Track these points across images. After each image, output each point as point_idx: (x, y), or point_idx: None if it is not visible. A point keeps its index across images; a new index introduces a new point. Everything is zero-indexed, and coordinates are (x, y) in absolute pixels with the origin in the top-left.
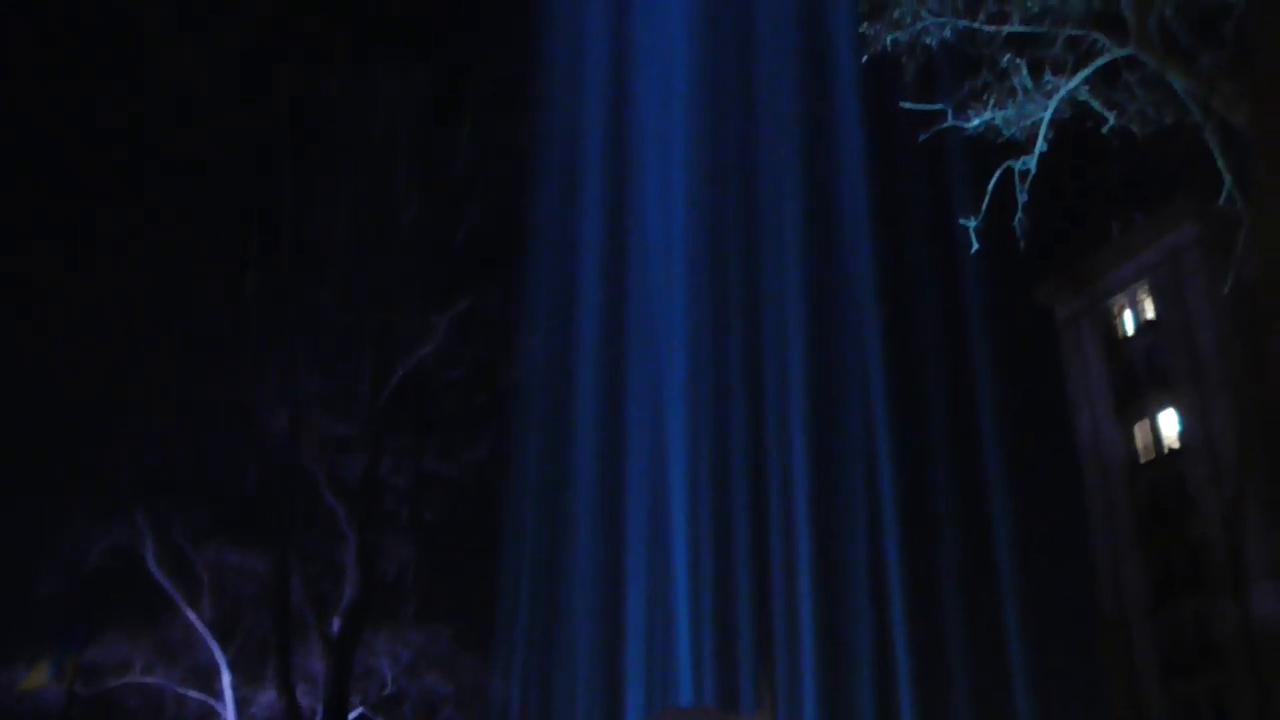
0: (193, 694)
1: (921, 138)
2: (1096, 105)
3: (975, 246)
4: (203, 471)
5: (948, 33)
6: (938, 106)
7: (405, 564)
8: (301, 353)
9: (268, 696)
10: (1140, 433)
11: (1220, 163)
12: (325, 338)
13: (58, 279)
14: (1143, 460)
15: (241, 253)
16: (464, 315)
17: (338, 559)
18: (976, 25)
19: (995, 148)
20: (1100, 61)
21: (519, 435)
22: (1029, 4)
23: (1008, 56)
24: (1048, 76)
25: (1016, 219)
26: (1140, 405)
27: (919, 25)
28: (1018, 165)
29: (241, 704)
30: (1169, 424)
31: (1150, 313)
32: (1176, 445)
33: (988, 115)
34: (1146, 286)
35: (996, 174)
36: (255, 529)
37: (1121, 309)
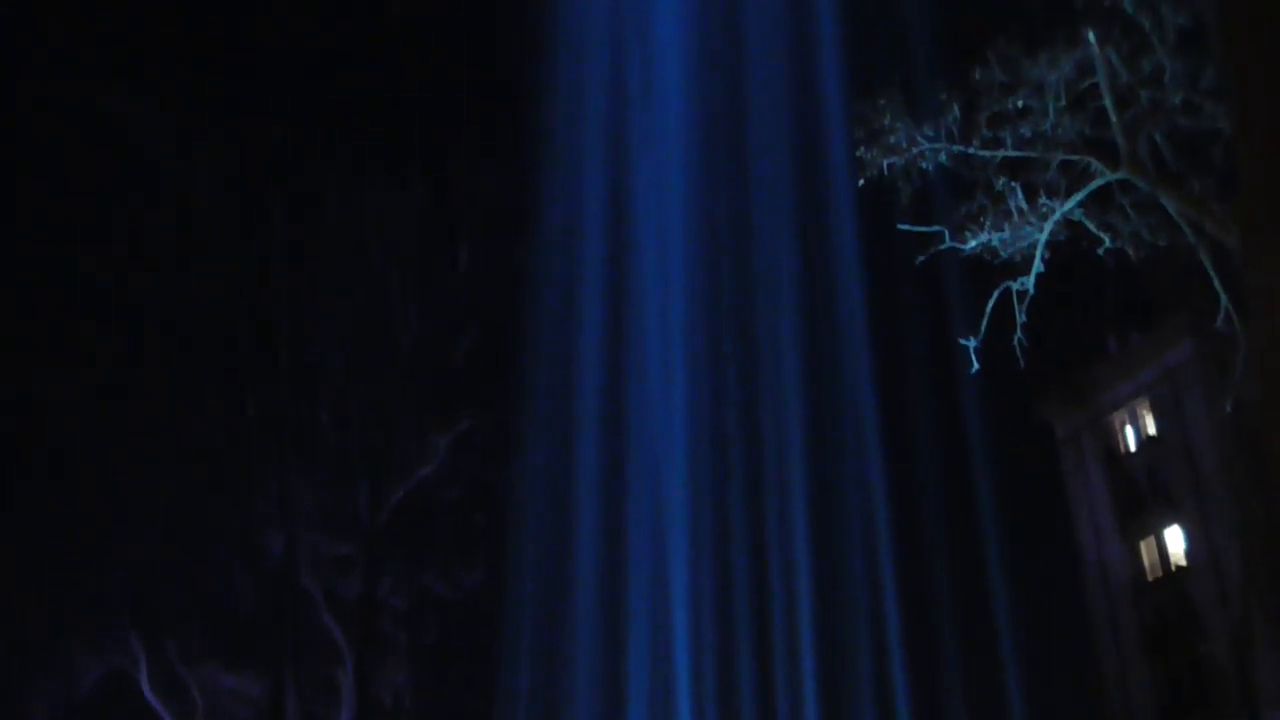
0: None
1: (919, 260)
2: (1092, 227)
3: (975, 366)
4: (198, 592)
5: (943, 157)
6: (935, 228)
7: (402, 686)
8: (299, 473)
9: None
10: (1146, 550)
11: (1215, 283)
12: (324, 458)
13: (56, 401)
14: (1149, 578)
15: (240, 374)
16: (464, 435)
17: (334, 680)
18: (971, 150)
19: (993, 267)
20: (1093, 185)
21: (518, 555)
22: (1021, 130)
23: (1003, 180)
24: (1043, 199)
25: (1015, 338)
26: (1144, 522)
27: (914, 150)
28: (1015, 286)
29: None
30: (1175, 541)
31: (1151, 429)
32: (1183, 563)
33: (984, 237)
34: (1146, 402)
35: (995, 295)
36: (251, 650)
37: (1122, 425)
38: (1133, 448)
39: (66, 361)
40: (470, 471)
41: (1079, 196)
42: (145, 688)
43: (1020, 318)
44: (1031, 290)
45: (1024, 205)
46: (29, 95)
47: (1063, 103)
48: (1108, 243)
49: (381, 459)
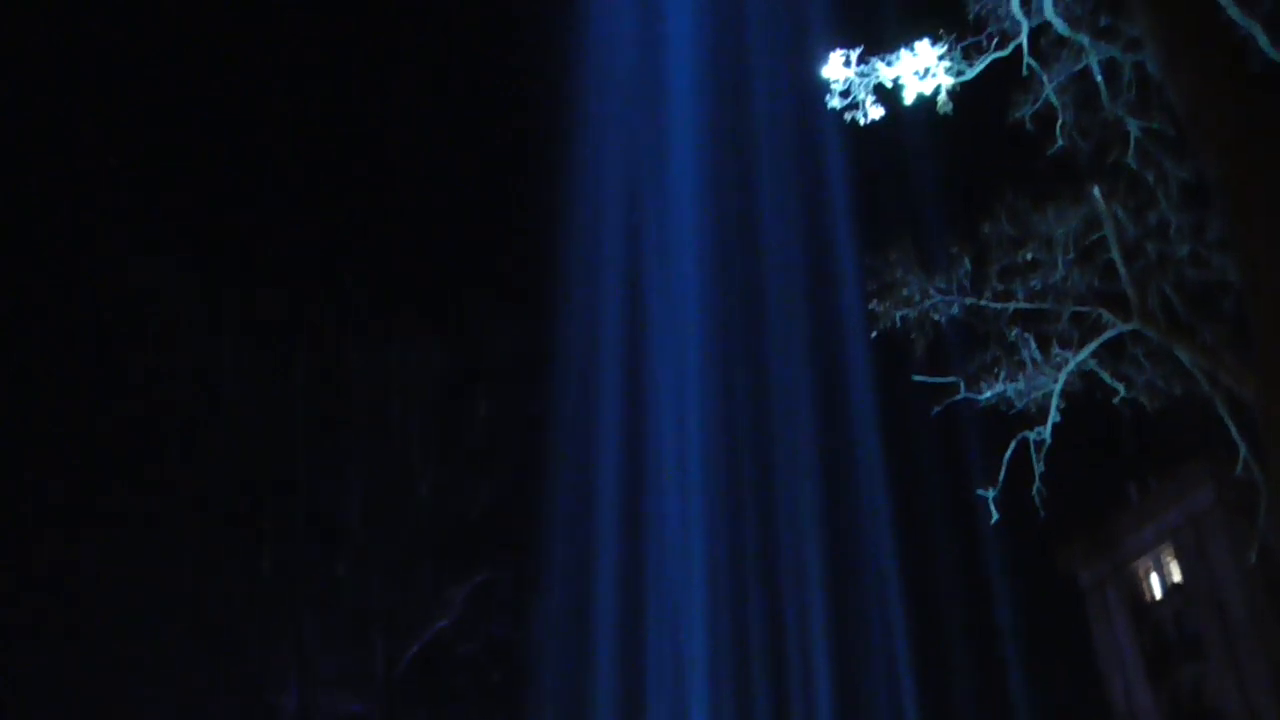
0: None
1: (935, 411)
2: (1106, 377)
3: (995, 517)
4: None
5: (955, 309)
6: (950, 379)
7: None
8: (315, 629)
9: None
10: (1176, 699)
11: (1233, 433)
12: (340, 613)
13: (72, 559)
14: None
15: (257, 529)
16: (481, 586)
17: None
18: (983, 303)
19: (1009, 417)
20: (1105, 336)
21: (537, 709)
22: (1032, 282)
23: (1015, 331)
24: (1056, 350)
25: (1035, 489)
26: (1174, 671)
27: (926, 303)
28: (1032, 436)
29: None
30: (1206, 690)
31: (1176, 576)
32: (1214, 710)
33: (999, 388)
34: (1170, 549)
35: (1012, 445)
36: None
37: (1147, 572)
38: (1158, 595)
39: (84, 520)
40: (488, 623)
41: (1091, 347)
42: None
43: (1038, 468)
44: (1048, 440)
45: (1037, 356)
46: (57, 265)
47: (1072, 256)
48: (1123, 392)
49: (398, 613)
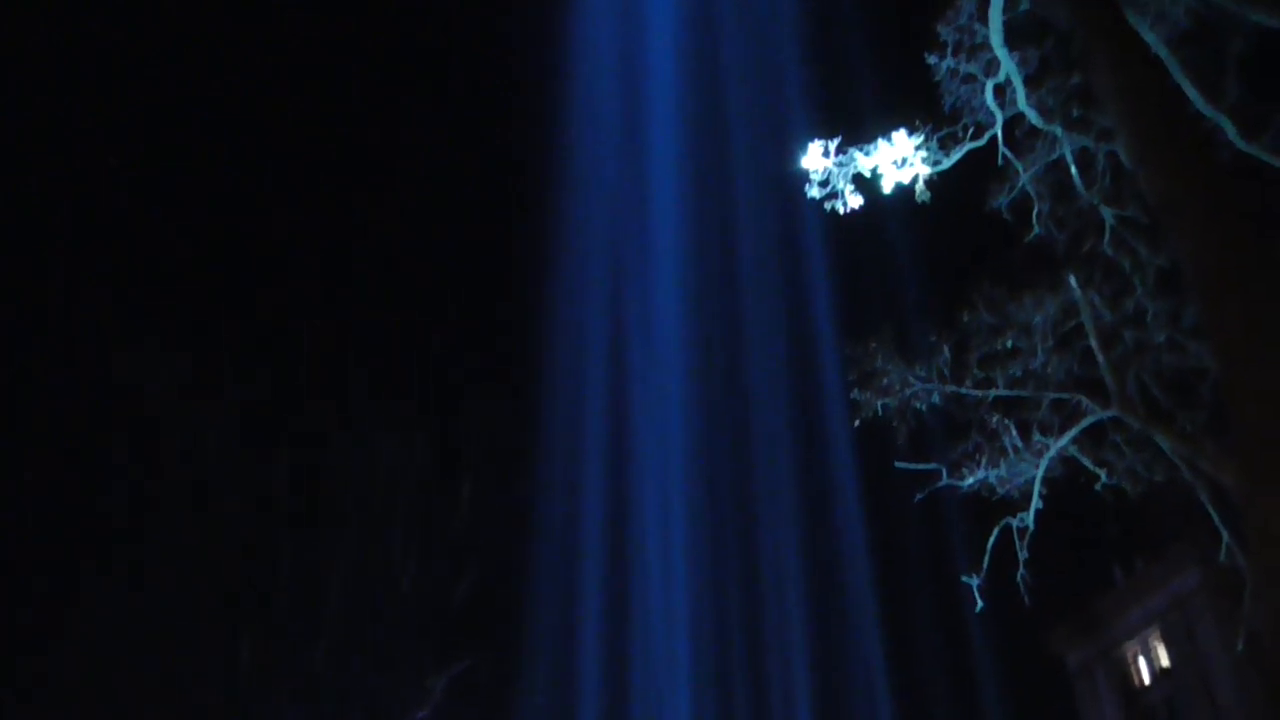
0: None
1: (917, 497)
2: (1087, 463)
3: (980, 605)
4: None
5: (936, 397)
6: (932, 466)
7: None
8: (294, 717)
9: None
10: None
11: (1216, 519)
12: (319, 702)
13: (46, 646)
14: None
15: (238, 617)
16: (461, 677)
17: None
18: (963, 390)
19: (992, 504)
20: (1085, 423)
21: None
22: (1012, 369)
23: (996, 418)
24: (1037, 436)
25: (1019, 574)
26: None
27: (907, 391)
28: (1015, 522)
29: None
30: None
31: (1165, 660)
32: None
33: (981, 474)
34: (1158, 633)
35: (995, 531)
36: None
37: (1135, 656)
38: (1147, 680)
39: (67, 605)
40: (468, 713)
41: (1071, 434)
42: None
43: (1022, 554)
44: (1031, 527)
45: (1019, 443)
46: (47, 355)
47: (1050, 343)
48: (1104, 479)
49: (377, 702)
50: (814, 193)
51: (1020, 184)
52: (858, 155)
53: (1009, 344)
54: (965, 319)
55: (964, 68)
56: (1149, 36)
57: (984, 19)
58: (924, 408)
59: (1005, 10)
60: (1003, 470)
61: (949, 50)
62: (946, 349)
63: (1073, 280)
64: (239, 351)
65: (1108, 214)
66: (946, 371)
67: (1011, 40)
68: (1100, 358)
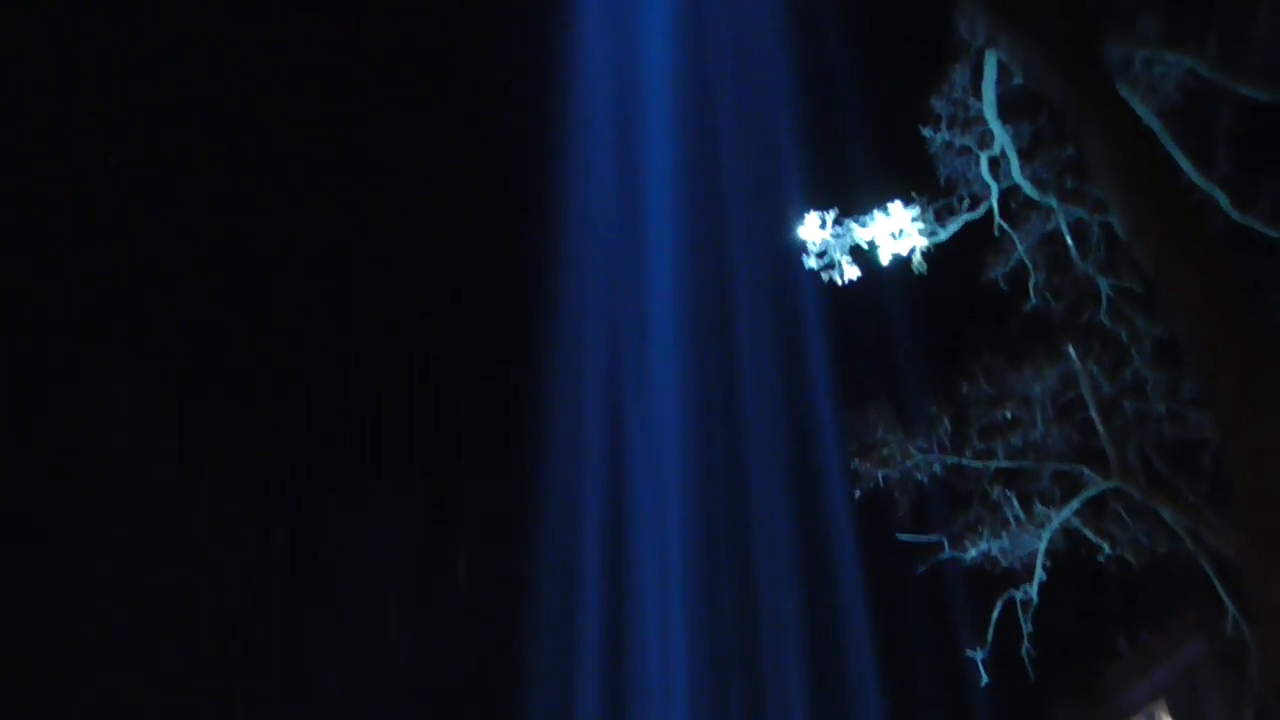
0: None
1: (919, 570)
2: (1090, 535)
3: (985, 680)
4: None
5: (936, 468)
6: (934, 538)
7: None
8: None
9: None
10: None
11: (1221, 590)
12: None
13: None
14: None
15: (230, 692)
16: None
17: None
18: (964, 461)
19: (995, 576)
20: (1087, 494)
21: None
22: (1012, 440)
23: (998, 490)
24: (1039, 508)
25: (1024, 649)
26: None
27: (908, 462)
28: (1019, 595)
29: None
30: None
31: None
32: None
33: (984, 546)
34: (1164, 705)
35: (999, 605)
36: None
37: None
38: None
39: (64, 676)
40: None
41: (1073, 506)
42: None
43: (1026, 628)
44: (1035, 599)
45: (1020, 515)
46: (44, 427)
47: (1050, 413)
48: (1107, 550)
49: None
50: (811, 263)
51: (1017, 255)
52: (854, 227)
53: (1009, 414)
54: (964, 390)
55: (959, 141)
56: (1140, 109)
57: (978, 93)
58: (925, 479)
59: (998, 85)
60: (1005, 542)
61: (944, 124)
62: (946, 420)
63: (1071, 351)
64: (235, 429)
65: (1104, 284)
66: (947, 442)
67: (1005, 114)
68: (1100, 428)
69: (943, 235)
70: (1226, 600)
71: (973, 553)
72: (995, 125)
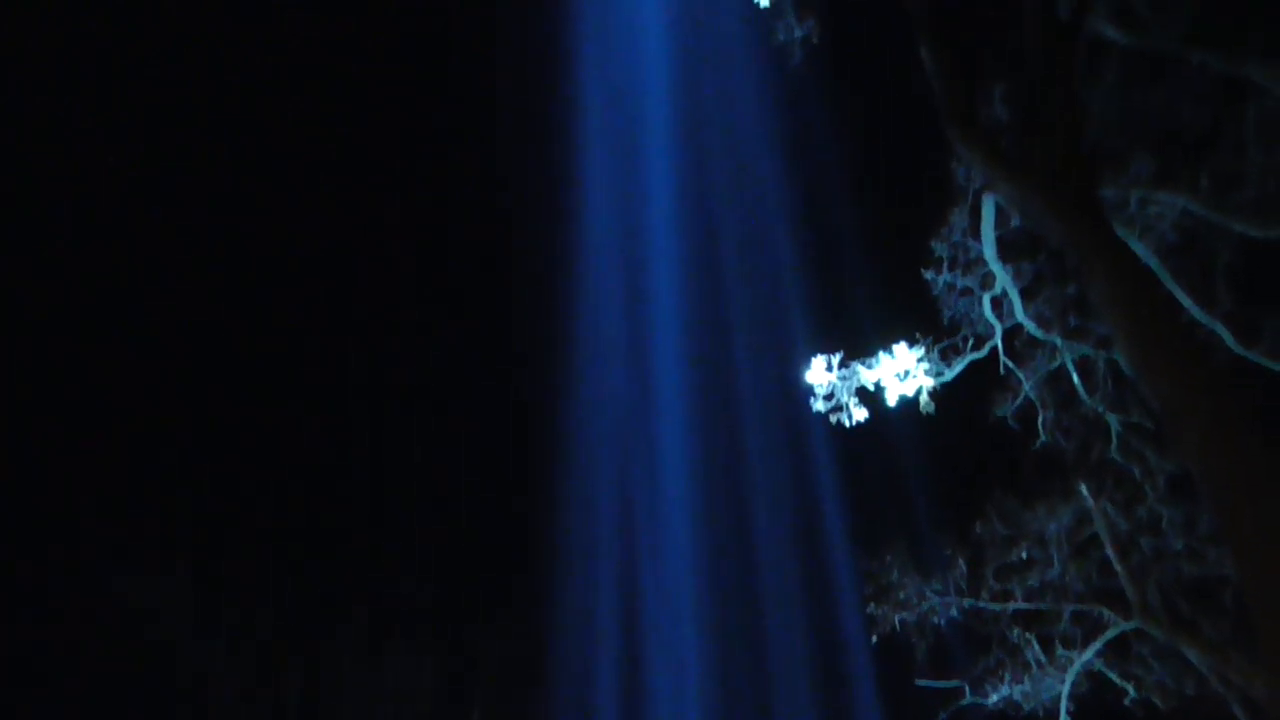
0: None
1: (941, 717)
2: (1114, 677)
3: None
4: None
5: (954, 611)
6: (954, 683)
7: None
8: None
9: None
10: None
11: None
12: None
13: None
14: None
15: None
16: None
17: None
18: (982, 604)
19: None
20: (1108, 635)
21: None
22: (1030, 580)
23: (1017, 632)
24: (1060, 650)
25: None
26: None
27: (925, 605)
28: None
29: None
30: None
31: None
32: None
33: (1005, 691)
34: None
35: None
36: None
37: None
38: None
39: None
40: None
41: (1095, 647)
42: None
43: None
44: None
45: (1042, 657)
46: (52, 584)
47: (1066, 552)
48: (1132, 692)
49: None
50: (819, 406)
51: (1023, 393)
52: (860, 369)
53: (1025, 554)
54: (979, 530)
55: (960, 282)
56: (1138, 248)
57: (977, 235)
58: (943, 622)
59: (997, 226)
60: (1027, 686)
61: (944, 265)
62: (962, 561)
63: (1084, 489)
64: (246, 583)
65: (1113, 420)
66: (963, 584)
67: (1005, 254)
68: (1118, 567)
69: (949, 375)
70: None
71: (994, 697)
72: (996, 266)
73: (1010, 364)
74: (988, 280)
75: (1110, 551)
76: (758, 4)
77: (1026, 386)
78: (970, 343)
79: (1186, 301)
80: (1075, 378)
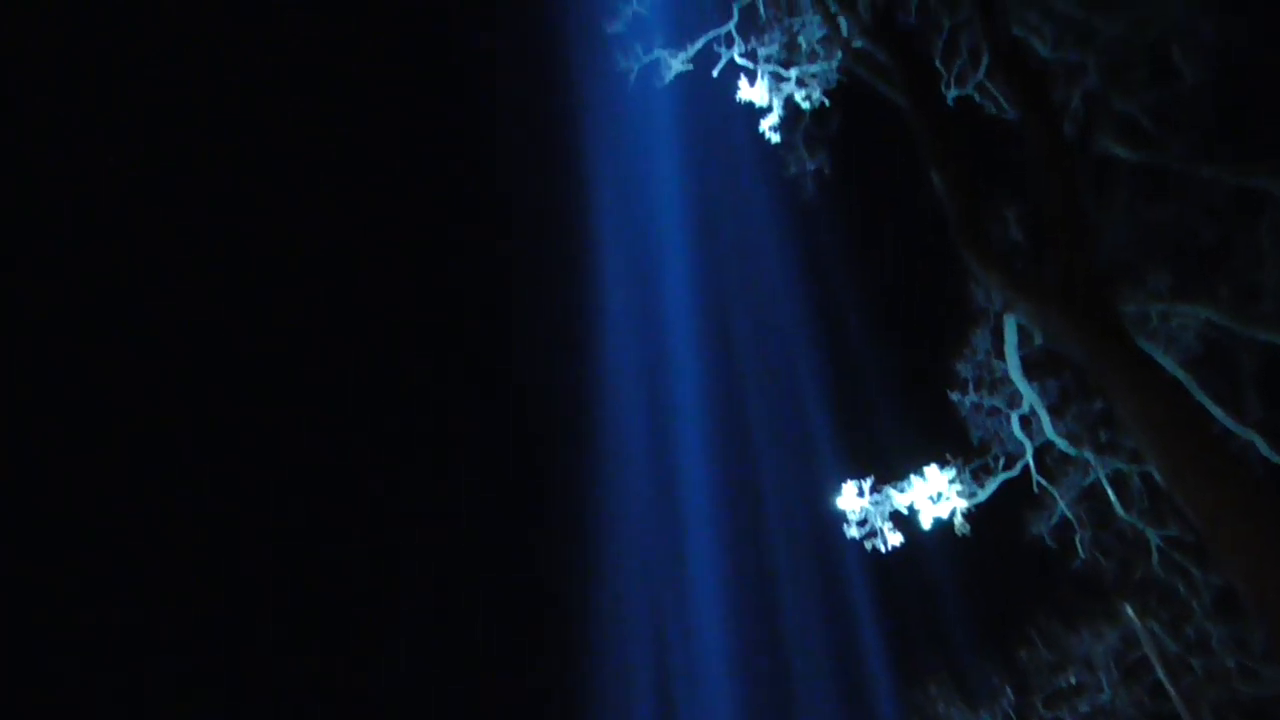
0: None
1: None
2: None
3: None
4: None
5: None
6: None
7: None
8: None
9: None
10: None
11: None
12: None
13: None
14: None
15: None
16: None
17: None
18: None
19: None
20: None
21: None
22: (1080, 707)
23: None
24: None
25: None
26: None
27: None
28: None
29: None
30: None
31: None
32: None
33: None
34: None
35: None
36: None
37: None
38: None
39: None
40: None
41: None
42: None
43: None
44: None
45: None
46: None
47: (1115, 676)
48: None
49: None
50: (853, 532)
51: (1059, 510)
52: (893, 493)
53: (1073, 680)
54: (1024, 656)
55: (988, 402)
56: (1164, 361)
57: (1000, 355)
58: None
59: (1020, 346)
60: None
61: (970, 386)
62: (1009, 690)
63: (1129, 609)
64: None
65: (1152, 535)
66: (1012, 713)
67: (1030, 372)
68: (1170, 690)
69: (981, 496)
70: None
71: None
72: (1022, 385)
73: (1043, 482)
74: (1015, 399)
75: (1160, 673)
76: (769, 140)
77: (1061, 504)
78: (1002, 462)
79: (1217, 412)
80: (1110, 493)
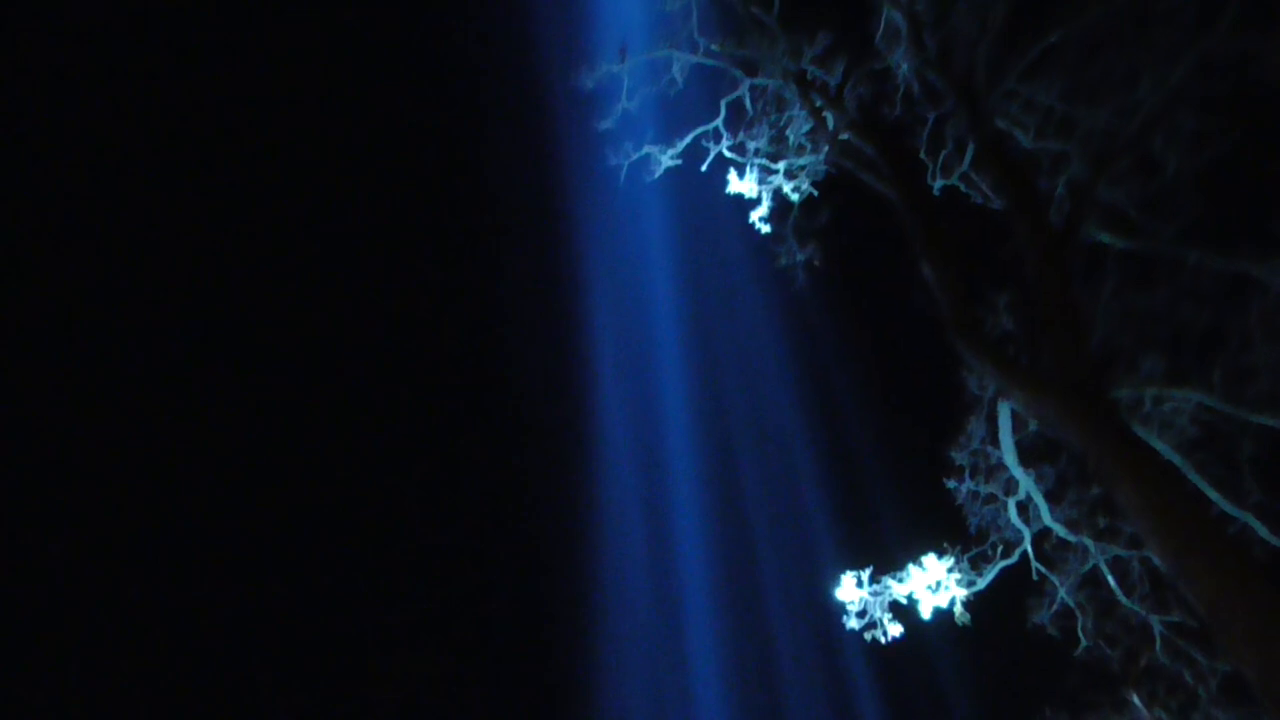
0: None
1: None
2: None
3: None
4: None
5: None
6: None
7: None
8: None
9: None
10: None
11: None
12: None
13: None
14: None
15: None
16: None
17: None
18: None
19: None
20: None
21: None
22: None
23: None
24: None
25: None
26: None
27: None
28: None
29: None
30: None
31: None
32: None
33: None
34: None
35: None
36: None
37: None
38: None
39: None
40: None
41: None
42: None
43: None
44: None
45: None
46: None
47: None
48: None
49: None
50: (852, 624)
51: (1059, 598)
52: (892, 583)
53: None
54: None
55: (984, 489)
56: (1159, 446)
57: (995, 442)
58: None
59: (1014, 432)
60: None
61: (966, 474)
62: None
63: (1135, 699)
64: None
65: (1155, 622)
66: None
67: (1026, 459)
68: None
69: (981, 584)
70: None
71: None
72: (1018, 472)
73: (1042, 569)
74: (1011, 486)
75: None
76: (759, 231)
77: (1061, 591)
78: (1000, 549)
79: (1215, 496)
80: (1110, 579)
